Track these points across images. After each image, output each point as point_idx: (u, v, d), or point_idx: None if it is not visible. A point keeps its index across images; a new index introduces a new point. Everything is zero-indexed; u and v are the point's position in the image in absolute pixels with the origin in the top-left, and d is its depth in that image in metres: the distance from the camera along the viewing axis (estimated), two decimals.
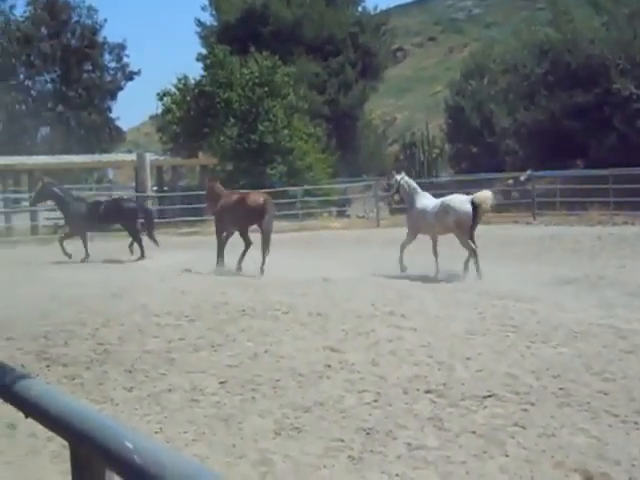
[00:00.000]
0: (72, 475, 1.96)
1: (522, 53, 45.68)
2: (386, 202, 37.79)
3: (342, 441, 7.03)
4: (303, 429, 7.42)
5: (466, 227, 17.41)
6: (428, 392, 8.28)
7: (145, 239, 22.77)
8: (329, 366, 9.53)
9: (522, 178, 37.76)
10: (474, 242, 17.47)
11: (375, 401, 8.11)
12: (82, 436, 1.82)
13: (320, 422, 7.57)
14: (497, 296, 14.12)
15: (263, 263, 18.77)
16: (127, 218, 23.04)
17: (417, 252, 18.80)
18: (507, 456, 6.58)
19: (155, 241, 23.23)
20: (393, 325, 11.75)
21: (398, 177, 19.53)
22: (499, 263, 18.61)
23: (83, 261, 21.86)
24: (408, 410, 7.77)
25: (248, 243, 19.43)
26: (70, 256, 22.05)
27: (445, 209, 17.68)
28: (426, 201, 18.66)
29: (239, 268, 19.11)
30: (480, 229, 20.00)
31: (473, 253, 17.25)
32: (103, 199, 27.10)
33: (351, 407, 7.96)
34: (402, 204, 20.75)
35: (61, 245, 22.38)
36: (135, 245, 22.62)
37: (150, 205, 37.12)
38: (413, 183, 19.57)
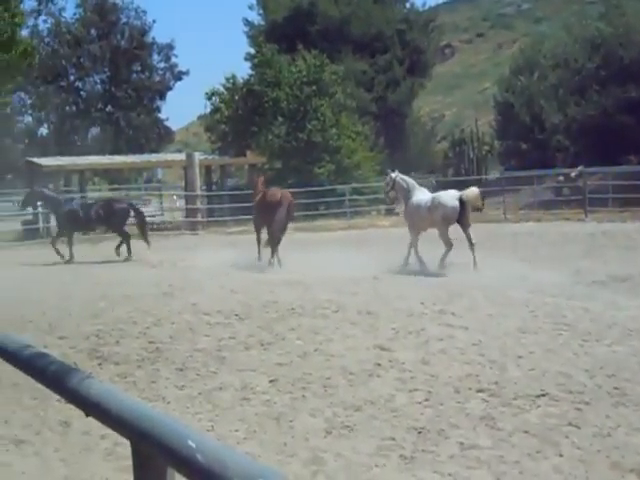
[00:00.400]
0: (134, 473, 1.97)
1: (573, 48, 45.18)
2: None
3: (393, 440, 7.00)
4: (354, 428, 7.39)
5: (451, 222, 18.23)
6: (480, 391, 8.21)
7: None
8: (379, 365, 9.49)
9: (573, 174, 37.37)
10: (470, 235, 18.36)
11: (426, 400, 8.06)
12: (143, 434, 1.82)
13: (371, 421, 7.54)
14: (549, 294, 13.97)
15: (272, 256, 19.89)
16: (117, 219, 23.20)
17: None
18: (561, 456, 6.49)
19: (147, 242, 23.37)
20: (444, 323, 11.67)
21: (393, 175, 20.04)
22: (551, 261, 18.44)
23: (67, 263, 22.04)
24: (460, 409, 7.70)
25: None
26: (63, 257, 22.34)
27: (435, 204, 18.38)
28: (422, 196, 19.24)
29: (271, 263, 19.85)
30: (532, 227, 19.90)
31: (450, 247, 18.25)
32: (93, 201, 27.19)
33: (402, 406, 7.92)
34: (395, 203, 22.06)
35: (54, 247, 22.66)
36: (123, 246, 22.86)
37: (199, 204, 37.37)
38: (410, 179, 20.16)
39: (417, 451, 6.72)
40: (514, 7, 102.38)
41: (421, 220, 18.84)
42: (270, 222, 20.03)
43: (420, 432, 7.14)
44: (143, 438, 1.84)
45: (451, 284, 15.46)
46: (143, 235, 23.52)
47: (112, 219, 23.36)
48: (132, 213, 24.02)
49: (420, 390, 8.37)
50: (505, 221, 30.98)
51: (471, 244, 18.22)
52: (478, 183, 37.37)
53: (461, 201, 18.19)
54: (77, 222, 23.05)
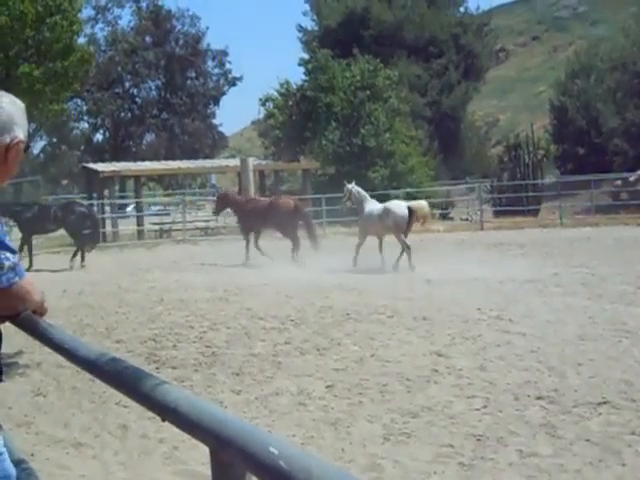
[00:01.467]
0: None
1: (631, 50, 44.64)
2: (490, 204, 37.42)
3: (452, 447, 6.93)
4: (412, 434, 7.34)
5: (402, 228, 20.11)
6: (539, 398, 8.11)
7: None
8: (436, 371, 9.43)
9: (632, 179, 36.89)
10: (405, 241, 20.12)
11: (485, 407, 7.98)
12: (223, 441, 1.82)
13: (429, 428, 7.48)
14: (608, 300, 13.78)
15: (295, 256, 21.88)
16: (74, 222, 23.23)
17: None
18: (624, 465, 6.37)
19: (92, 247, 23.61)
20: (501, 330, 11.57)
21: (349, 186, 21.87)
22: (609, 266, 18.20)
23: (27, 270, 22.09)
24: (519, 416, 7.61)
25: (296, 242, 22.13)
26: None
27: (386, 212, 20.31)
28: (373, 206, 21.14)
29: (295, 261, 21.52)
30: (589, 232, 19.71)
31: (407, 249, 19.87)
32: (52, 203, 27.15)
33: (460, 413, 7.85)
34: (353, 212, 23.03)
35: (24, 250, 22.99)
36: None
37: None
38: (362, 191, 21.90)
39: (476, 458, 6.65)
40: (570, 10, 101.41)
41: (372, 227, 20.76)
42: (291, 227, 22.15)
43: (479, 439, 7.07)
44: (222, 444, 1.83)
45: (507, 289, 15.35)
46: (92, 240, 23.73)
47: (67, 222, 23.37)
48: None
49: (478, 397, 8.29)
50: (561, 226, 30.62)
51: (407, 247, 19.95)
52: (534, 188, 37.13)
53: (410, 210, 20.29)
54: (35, 225, 23.06)
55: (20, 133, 3.08)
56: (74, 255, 22.95)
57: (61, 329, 3.01)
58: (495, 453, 6.73)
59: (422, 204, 21.26)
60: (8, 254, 2.81)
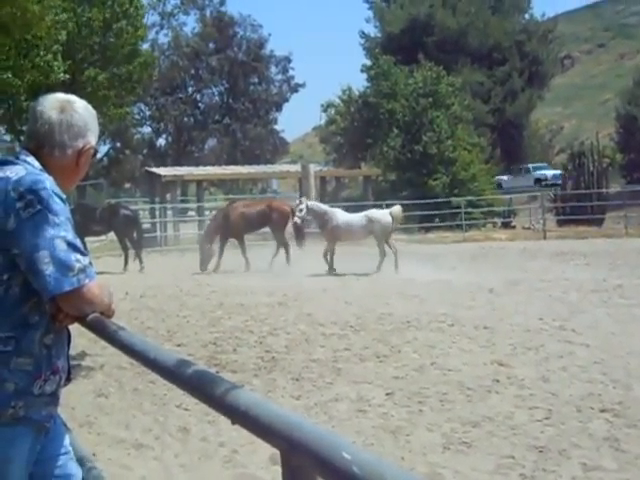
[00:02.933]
0: None
1: None
2: (553, 213, 36.96)
3: (513, 458, 6.84)
4: (472, 444, 7.26)
5: (387, 234, 21.47)
6: (603, 411, 7.97)
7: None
8: (497, 381, 9.33)
9: None
10: (391, 245, 21.49)
11: (547, 418, 7.87)
12: (295, 445, 1.81)
13: (490, 438, 7.40)
14: None
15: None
16: (118, 225, 23.74)
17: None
18: None
19: (138, 251, 23.97)
20: (563, 340, 11.41)
21: (309, 203, 22.61)
22: None
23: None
24: (582, 429, 7.49)
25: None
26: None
27: (371, 221, 21.44)
28: (347, 216, 22.29)
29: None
30: None
31: (384, 254, 21.10)
32: (97, 205, 27.15)
33: (522, 424, 7.75)
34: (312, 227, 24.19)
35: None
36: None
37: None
38: (322, 205, 23.43)
39: (538, 470, 6.55)
40: (637, 17, 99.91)
41: (352, 235, 21.85)
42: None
43: (541, 451, 6.96)
44: (294, 448, 1.82)
45: (570, 299, 15.14)
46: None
47: (113, 224, 23.75)
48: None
49: (540, 408, 8.18)
50: (627, 236, 30.16)
51: (385, 253, 21.13)
52: (598, 197, 36.62)
53: (391, 216, 21.59)
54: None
55: (92, 138, 3.18)
56: (125, 260, 23.22)
57: (129, 331, 3.03)
58: (558, 465, 6.63)
59: (399, 209, 22.24)
60: (79, 256, 2.85)
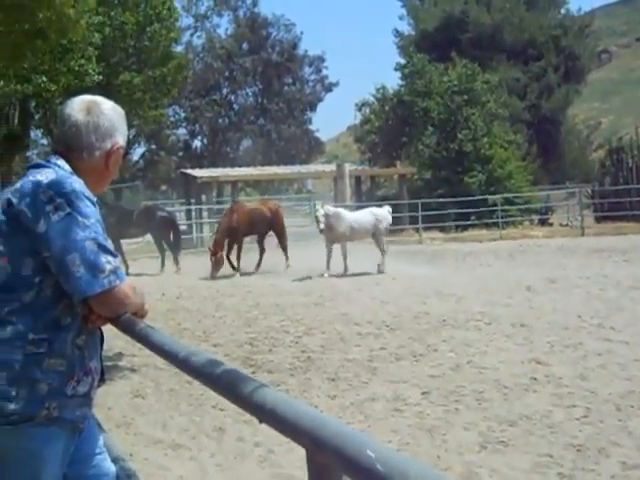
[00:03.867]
0: None
1: None
2: (591, 210, 36.67)
3: (551, 457, 6.79)
4: (509, 443, 7.22)
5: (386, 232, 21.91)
6: None
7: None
8: (535, 379, 9.27)
9: None
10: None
11: (585, 417, 7.80)
12: (320, 443, 1.81)
13: (527, 437, 7.35)
14: None
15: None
16: (154, 227, 23.66)
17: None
18: None
19: (176, 253, 24.02)
20: (602, 338, 11.32)
21: (325, 210, 21.09)
22: None
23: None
24: (621, 427, 7.41)
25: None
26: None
27: (379, 219, 21.41)
28: (353, 214, 22.12)
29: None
30: None
31: (386, 252, 21.22)
32: (134, 207, 27.11)
33: (560, 422, 7.69)
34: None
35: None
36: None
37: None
38: (332, 207, 22.30)
39: (576, 469, 6.50)
40: None
41: (362, 234, 21.52)
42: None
43: (579, 450, 6.91)
44: (319, 447, 1.82)
45: (609, 296, 14.99)
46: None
47: (150, 227, 23.71)
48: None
49: (578, 406, 8.12)
50: None
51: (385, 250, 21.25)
52: (638, 192, 36.21)
53: None
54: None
55: (120, 139, 3.18)
56: (162, 262, 23.29)
57: (161, 332, 3.05)
58: (596, 464, 6.58)
59: (389, 209, 22.32)
60: (109, 257, 2.87)
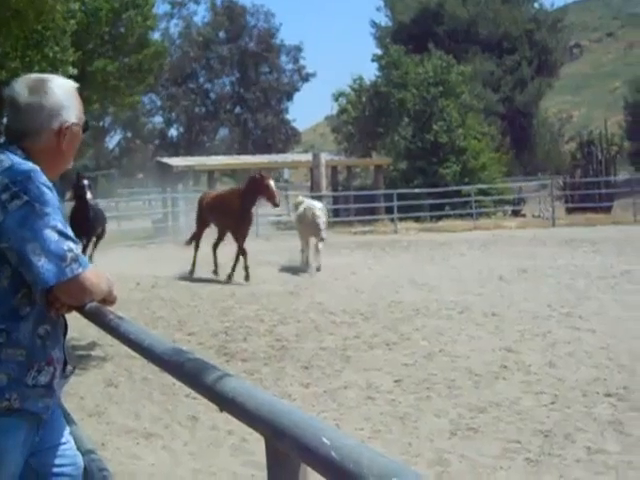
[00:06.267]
0: (268, 471, 2.03)
1: None
2: (562, 201, 36.95)
3: (519, 443, 6.94)
4: (479, 430, 7.36)
5: None
6: (608, 395, 8.07)
7: None
8: (505, 367, 9.44)
9: None
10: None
11: (553, 403, 7.97)
12: (279, 431, 1.86)
13: (496, 423, 7.50)
14: None
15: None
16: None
17: None
18: None
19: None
20: (571, 326, 11.52)
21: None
22: None
23: None
24: (587, 413, 7.59)
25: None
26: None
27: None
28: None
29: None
30: None
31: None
32: None
33: (528, 409, 7.85)
34: None
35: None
36: None
37: (325, 204, 37.54)
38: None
39: (543, 454, 6.65)
40: None
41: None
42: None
43: (546, 435, 7.06)
44: (278, 435, 1.88)
45: (578, 286, 15.20)
46: None
47: None
48: None
49: (546, 393, 8.28)
50: (635, 223, 30.16)
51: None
52: (607, 184, 36.56)
53: None
54: None
55: (70, 116, 3.00)
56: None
57: (128, 320, 3.05)
58: (562, 449, 6.73)
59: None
60: (71, 245, 2.78)
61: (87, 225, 17.09)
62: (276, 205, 18.70)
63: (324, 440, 1.66)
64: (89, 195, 17.30)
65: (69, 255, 2.75)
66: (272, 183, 18.01)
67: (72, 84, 3.09)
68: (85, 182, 17.43)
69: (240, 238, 18.12)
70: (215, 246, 18.91)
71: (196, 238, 19.68)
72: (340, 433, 1.72)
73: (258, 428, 2.00)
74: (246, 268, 17.57)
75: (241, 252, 17.85)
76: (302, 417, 1.84)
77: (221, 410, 2.21)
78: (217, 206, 18.94)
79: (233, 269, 17.80)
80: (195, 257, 18.91)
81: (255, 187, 18.00)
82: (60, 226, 2.78)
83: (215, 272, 18.40)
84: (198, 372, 2.31)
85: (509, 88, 51.12)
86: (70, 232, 2.83)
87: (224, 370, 2.29)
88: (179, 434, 7.64)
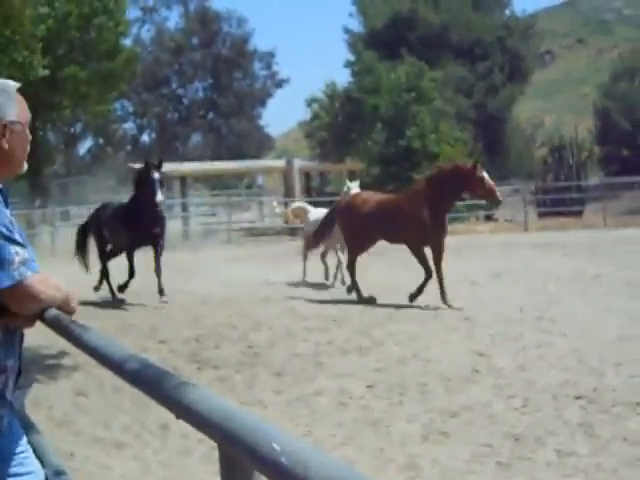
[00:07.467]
0: (221, 477, 2.02)
1: None
2: (534, 206, 37.15)
3: (490, 447, 6.97)
4: (451, 434, 7.38)
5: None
6: (578, 398, 8.12)
7: None
8: (477, 371, 9.47)
9: None
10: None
11: (524, 406, 8.01)
12: (231, 437, 1.85)
13: (468, 427, 7.53)
14: None
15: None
16: None
17: None
18: None
19: None
20: (542, 330, 11.57)
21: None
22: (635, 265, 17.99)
23: None
24: (558, 416, 7.63)
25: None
26: None
27: None
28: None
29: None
30: (633, 233, 19.71)
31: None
32: None
33: (499, 412, 7.88)
34: None
35: None
36: None
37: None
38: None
39: (514, 458, 6.68)
40: (615, 13, 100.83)
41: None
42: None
43: (517, 439, 7.10)
44: (230, 441, 1.87)
45: (550, 290, 15.28)
46: None
47: None
48: None
49: (517, 397, 8.32)
50: (605, 227, 30.39)
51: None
52: (578, 189, 36.87)
53: None
54: None
55: (8, 114, 2.88)
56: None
57: (91, 329, 3.01)
58: (533, 452, 6.76)
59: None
60: (17, 248, 2.70)
61: (155, 232, 15.26)
62: (497, 202, 15.21)
63: (274, 446, 1.66)
64: (160, 196, 14.66)
65: (17, 259, 2.68)
66: (486, 175, 14.20)
67: (11, 83, 2.99)
68: (156, 176, 14.66)
69: (436, 253, 14.53)
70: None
71: (353, 260, 15.70)
72: (291, 438, 1.71)
73: (211, 434, 1.99)
74: (443, 293, 13.94)
75: (438, 273, 14.15)
76: (255, 423, 1.83)
77: (177, 417, 2.19)
78: (390, 212, 14.79)
79: (420, 291, 14.30)
80: (357, 286, 15.30)
81: (458, 181, 14.06)
82: (4, 230, 2.70)
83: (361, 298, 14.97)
84: (154, 379, 2.29)
85: (481, 94, 51.34)
86: (17, 236, 2.76)
87: (182, 377, 2.28)
88: (150, 443, 7.60)
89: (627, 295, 14.34)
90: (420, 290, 14.16)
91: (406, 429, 7.63)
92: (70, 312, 3.01)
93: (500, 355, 10.18)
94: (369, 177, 41.79)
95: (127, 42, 30.30)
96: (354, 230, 15.36)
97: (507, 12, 58.36)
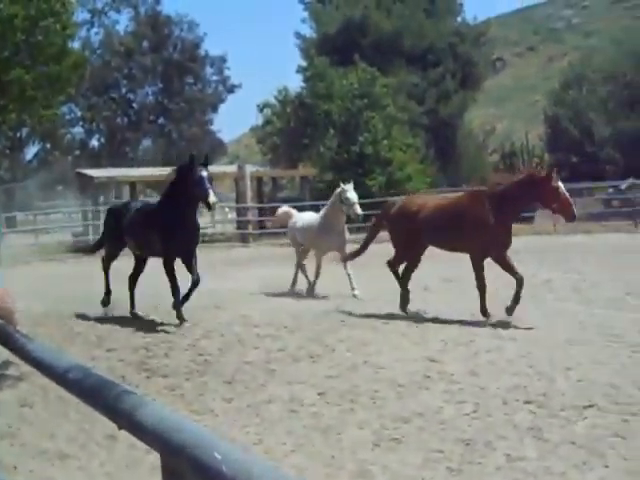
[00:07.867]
0: None
1: (622, 62, 45.08)
2: None
3: (441, 452, 6.96)
4: (402, 440, 7.36)
5: None
6: (528, 402, 8.16)
7: None
8: (428, 377, 9.47)
9: (623, 187, 37.22)
10: None
11: (474, 412, 8.02)
12: (172, 447, 1.82)
13: (419, 433, 7.51)
14: (598, 305, 13.87)
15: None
16: None
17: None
18: (607, 467, 6.41)
19: None
20: (493, 335, 11.65)
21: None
22: (601, 272, 18.24)
23: None
24: (507, 421, 7.65)
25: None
26: None
27: None
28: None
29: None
30: (582, 239, 19.84)
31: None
32: None
33: (450, 418, 7.88)
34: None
35: None
36: None
37: (250, 216, 37.42)
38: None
39: (464, 463, 6.68)
40: (565, 21, 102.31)
41: None
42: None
43: (468, 444, 7.10)
44: (172, 451, 1.84)
45: (501, 296, 15.36)
46: None
47: None
48: None
49: (468, 402, 8.33)
50: (555, 233, 30.74)
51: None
52: None
53: None
54: None
55: None
56: None
57: (32, 339, 2.95)
58: (483, 457, 6.77)
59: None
60: None
61: (195, 240, 14.01)
62: (572, 217, 13.09)
63: (216, 455, 1.63)
64: (213, 197, 13.08)
65: None
66: (562, 185, 12.96)
67: None
68: (204, 174, 13.31)
69: (503, 261, 13.62)
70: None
71: (397, 266, 14.93)
72: (233, 447, 1.68)
73: (154, 444, 1.95)
74: (516, 299, 12.86)
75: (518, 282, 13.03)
76: (197, 432, 1.80)
77: (120, 428, 2.14)
78: (447, 217, 13.75)
79: (516, 301, 12.93)
80: (406, 293, 14.40)
81: (529, 189, 12.81)
82: None
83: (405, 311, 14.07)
84: (98, 389, 2.25)
85: (434, 100, 51.61)
86: None
87: (124, 387, 2.23)
88: (96, 454, 7.45)
89: (576, 300, 14.53)
90: (517, 300, 12.86)
91: (357, 436, 7.59)
92: (10, 321, 2.97)
93: (451, 361, 10.21)
94: (322, 183, 41.88)
95: (75, 45, 30.05)
96: (408, 238, 14.40)
97: (459, 19, 58.76)
